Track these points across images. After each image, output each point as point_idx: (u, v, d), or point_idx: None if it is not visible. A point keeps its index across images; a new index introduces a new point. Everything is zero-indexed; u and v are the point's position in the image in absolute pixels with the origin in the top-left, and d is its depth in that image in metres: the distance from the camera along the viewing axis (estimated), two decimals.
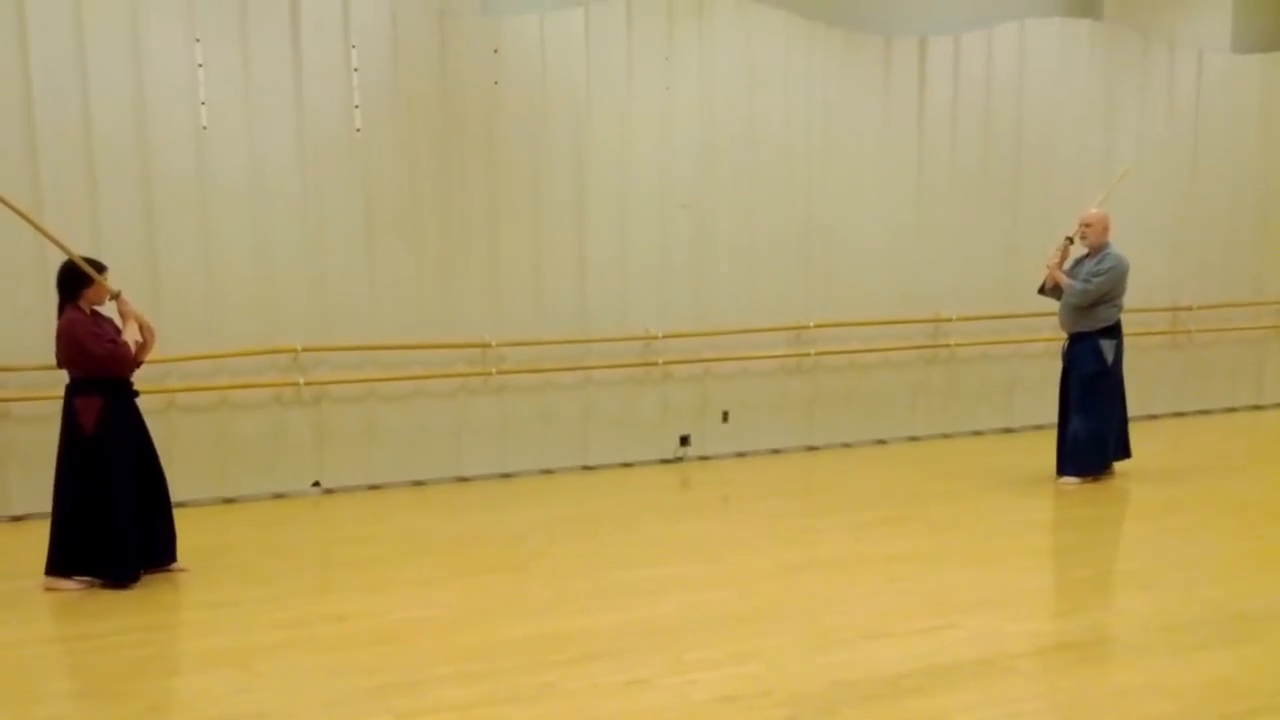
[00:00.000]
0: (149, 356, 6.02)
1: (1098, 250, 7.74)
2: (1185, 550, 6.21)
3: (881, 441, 9.67)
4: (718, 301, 8.89)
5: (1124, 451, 8.08)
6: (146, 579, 5.87)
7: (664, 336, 8.71)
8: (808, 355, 9.20)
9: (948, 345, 9.73)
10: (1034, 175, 9.95)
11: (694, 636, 4.88)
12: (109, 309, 5.85)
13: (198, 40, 7.34)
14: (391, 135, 7.87)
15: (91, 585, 5.74)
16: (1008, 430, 10.03)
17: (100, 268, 5.75)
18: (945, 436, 9.83)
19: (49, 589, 5.73)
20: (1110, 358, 7.72)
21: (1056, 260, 7.87)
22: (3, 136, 6.99)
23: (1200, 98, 10.53)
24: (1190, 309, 10.69)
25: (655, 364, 8.75)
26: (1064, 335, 7.93)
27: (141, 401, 7.30)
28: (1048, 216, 9.97)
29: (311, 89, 7.63)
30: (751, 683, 4.35)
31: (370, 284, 7.92)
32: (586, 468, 8.68)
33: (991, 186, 9.81)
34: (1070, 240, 7.87)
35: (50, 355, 7.06)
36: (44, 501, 7.20)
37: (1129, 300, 7.90)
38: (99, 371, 5.66)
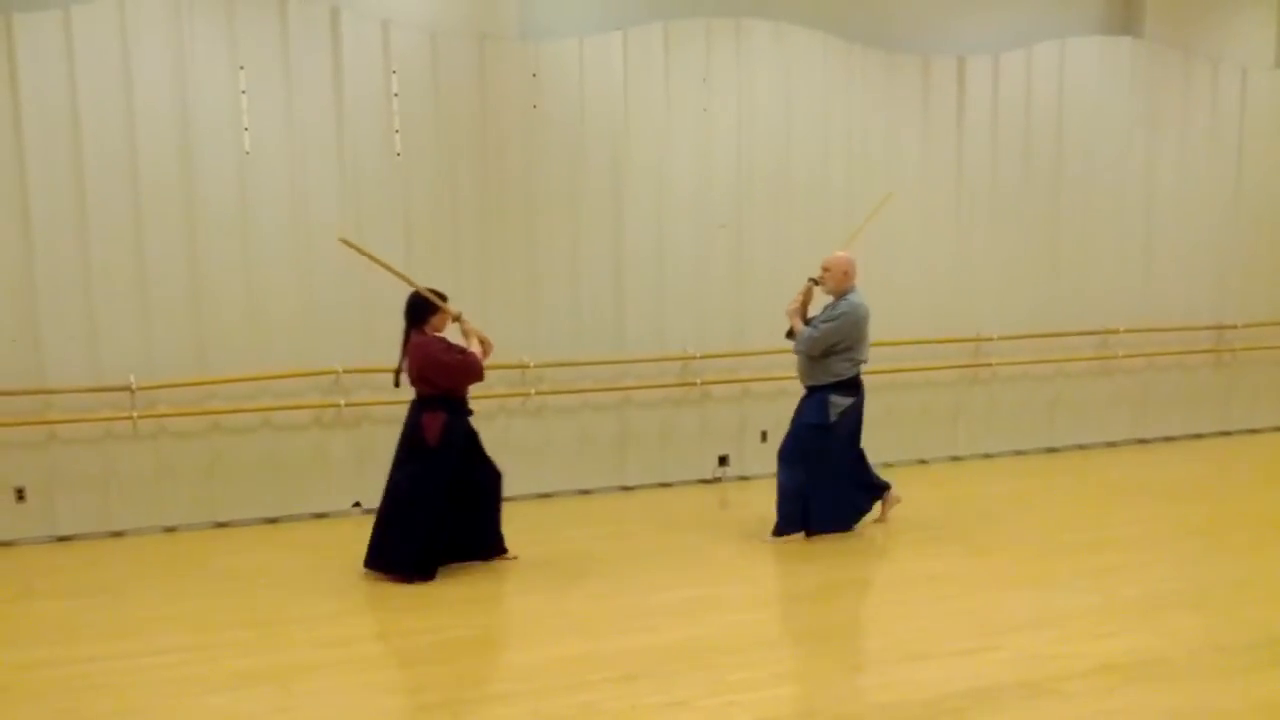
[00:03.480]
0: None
1: (838, 295, 7.02)
2: (1233, 570, 6.12)
3: (923, 461, 9.60)
4: (755, 321, 8.86)
5: (851, 517, 7.27)
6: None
7: (702, 357, 8.71)
8: None
9: (989, 364, 9.66)
10: (1074, 194, 9.88)
11: (734, 657, 4.87)
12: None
13: (241, 68, 7.44)
14: (431, 159, 7.94)
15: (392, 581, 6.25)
16: (1050, 450, 9.93)
17: (443, 297, 6.37)
18: (987, 456, 9.74)
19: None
20: (833, 415, 6.95)
21: (797, 304, 7.15)
22: (49, 159, 7.11)
23: (1244, 115, 10.42)
24: (1235, 327, 10.55)
25: (693, 384, 8.74)
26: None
27: (185, 423, 7.44)
28: (1089, 235, 9.92)
29: (352, 114, 7.71)
30: (792, 704, 4.33)
31: None
32: (625, 488, 8.67)
33: (1032, 205, 9.74)
34: (814, 282, 7.13)
35: (103, 376, 7.23)
36: (89, 522, 7.39)
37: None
38: (451, 384, 6.29)
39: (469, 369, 6.30)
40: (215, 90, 7.41)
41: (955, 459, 9.69)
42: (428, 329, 6.33)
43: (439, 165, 7.96)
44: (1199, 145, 10.31)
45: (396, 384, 6.41)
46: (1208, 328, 10.49)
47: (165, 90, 7.30)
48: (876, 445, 9.35)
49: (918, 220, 9.34)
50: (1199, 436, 10.54)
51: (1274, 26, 10.60)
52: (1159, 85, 10.07)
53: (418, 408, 6.35)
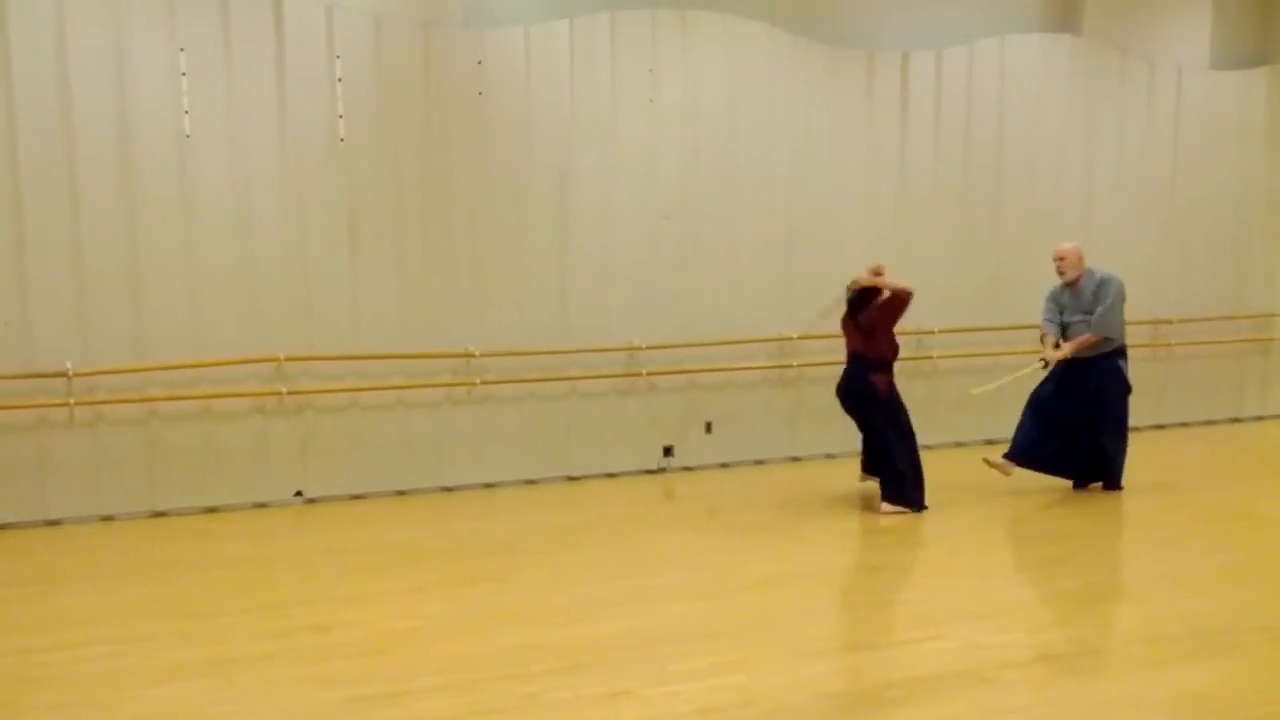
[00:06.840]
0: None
1: (1079, 276, 7.95)
2: (1168, 563, 6.24)
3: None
4: (701, 313, 8.89)
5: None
6: None
7: (647, 347, 8.71)
8: (791, 367, 9.21)
9: (929, 357, 9.76)
10: (1015, 189, 10.00)
11: (677, 647, 4.88)
12: None
13: (181, 50, 7.31)
14: (375, 145, 7.86)
15: (904, 512, 7.40)
16: (989, 442, 10.03)
17: None
18: (927, 448, 9.77)
19: (887, 512, 7.43)
20: (1129, 377, 8.13)
21: (1067, 352, 7.87)
22: None
23: (1179, 114, 10.61)
24: (1170, 322, 10.75)
25: (639, 375, 8.75)
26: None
27: (123, 410, 7.34)
28: (1029, 230, 10.04)
29: (295, 99, 7.62)
30: (734, 694, 4.35)
31: (353, 294, 7.90)
32: (570, 478, 8.66)
33: (973, 200, 9.85)
34: (1044, 364, 8.05)
35: (39, 362, 7.09)
36: (23, 511, 7.24)
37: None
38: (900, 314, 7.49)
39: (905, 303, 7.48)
40: (155, 72, 7.28)
41: None
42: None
43: (382, 151, 7.89)
44: (1136, 143, 10.48)
45: (862, 349, 7.51)
46: (1143, 323, 10.65)
47: (103, 71, 7.16)
48: (822, 437, 9.48)
49: (859, 213, 9.40)
50: (1134, 430, 10.69)
51: (1209, 27, 10.79)
52: (1097, 83, 10.22)
53: (867, 368, 7.45)
